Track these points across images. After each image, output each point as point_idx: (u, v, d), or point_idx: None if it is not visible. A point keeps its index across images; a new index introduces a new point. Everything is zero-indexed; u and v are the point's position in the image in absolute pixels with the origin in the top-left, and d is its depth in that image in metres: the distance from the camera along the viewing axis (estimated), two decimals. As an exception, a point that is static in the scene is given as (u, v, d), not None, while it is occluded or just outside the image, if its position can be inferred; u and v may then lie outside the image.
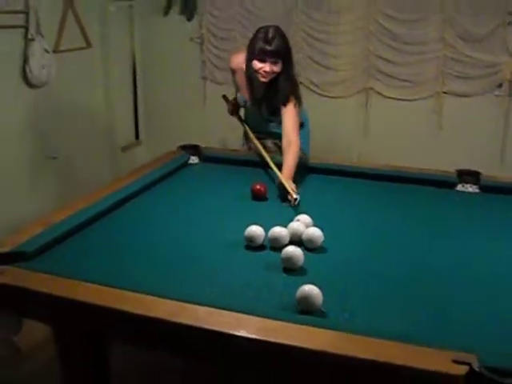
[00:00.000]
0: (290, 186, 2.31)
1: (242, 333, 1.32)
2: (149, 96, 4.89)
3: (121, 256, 1.84)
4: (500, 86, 4.02)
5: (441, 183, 2.57)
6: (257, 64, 2.68)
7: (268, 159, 2.64)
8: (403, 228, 2.15)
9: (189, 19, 4.55)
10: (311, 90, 4.26)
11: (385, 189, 2.57)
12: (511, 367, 1.20)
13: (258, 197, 2.34)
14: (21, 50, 3.53)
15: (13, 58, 3.51)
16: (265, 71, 2.68)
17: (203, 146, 2.97)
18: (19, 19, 3.48)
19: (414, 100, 4.12)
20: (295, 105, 2.76)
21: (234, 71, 3.01)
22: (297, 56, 4.16)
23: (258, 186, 2.35)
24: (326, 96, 4.25)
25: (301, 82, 4.18)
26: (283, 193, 2.33)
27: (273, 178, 2.53)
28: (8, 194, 3.54)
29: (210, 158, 2.88)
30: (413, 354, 1.27)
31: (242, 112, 3.17)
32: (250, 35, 2.83)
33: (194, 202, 2.36)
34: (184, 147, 2.92)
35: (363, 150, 4.12)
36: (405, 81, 4.10)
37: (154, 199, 2.37)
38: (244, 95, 2.97)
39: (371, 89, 4.16)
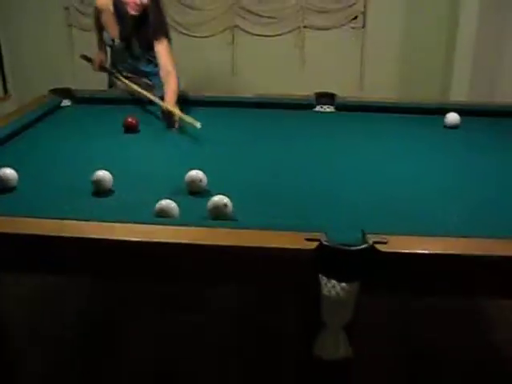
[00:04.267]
0: (176, 110, 2.46)
1: (121, 237, 1.46)
2: (14, 48, 4.76)
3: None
4: (355, 18, 4.32)
5: (301, 106, 2.80)
6: None
7: (146, 93, 2.73)
8: (267, 144, 2.36)
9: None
10: (179, 31, 4.34)
11: (252, 114, 2.76)
12: (351, 241, 1.43)
13: (130, 129, 2.45)
14: None
15: None
16: (134, 3, 2.79)
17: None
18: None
19: (278, 35, 4.32)
20: (167, 41, 2.89)
21: (99, 11, 3.06)
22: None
23: (129, 119, 2.45)
24: (193, 36, 4.36)
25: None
26: (169, 119, 2.46)
27: (144, 112, 2.63)
28: None
29: (83, 99, 2.92)
30: (272, 237, 1.47)
31: (108, 53, 3.22)
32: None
33: (69, 140, 2.41)
34: (55, 91, 2.94)
35: (232, 86, 4.28)
36: (268, 17, 4.29)
37: (29, 142, 2.39)
38: (111, 34, 3.02)
39: (236, 26, 4.31)
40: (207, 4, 4.29)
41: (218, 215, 1.62)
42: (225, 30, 4.33)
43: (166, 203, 1.62)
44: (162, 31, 2.87)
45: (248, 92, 3.41)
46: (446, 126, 2.56)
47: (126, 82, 2.95)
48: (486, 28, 4.00)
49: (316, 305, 1.46)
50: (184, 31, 4.36)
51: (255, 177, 2.01)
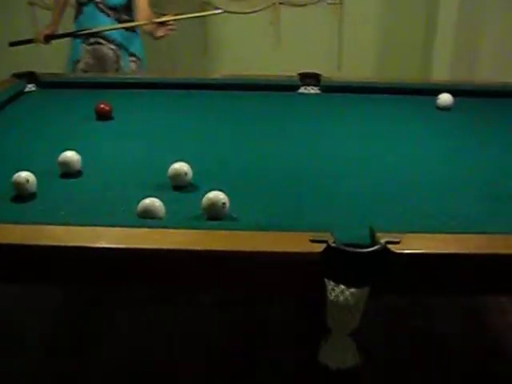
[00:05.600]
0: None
1: (103, 244, 1.29)
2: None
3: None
4: (332, -7, 4.15)
5: (284, 87, 2.63)
6: None
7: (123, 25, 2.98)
8: (252, 130, 2.19)
9: None
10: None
11: (231, 97, 2.57)
12: (360, 241, 1.29)
13: (102, 116, 2.25)
14: None
15: None
16: None
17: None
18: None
19: (252, 12, 4.12)
20: None
21: None
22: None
23: (101, 105, 2.25)
24: (162, 14, 4.09)
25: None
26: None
27: (117, 98, 2.43)
28: None
29: (49, 84, 2.70)
30: (274, 239, 1.31)
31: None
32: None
33: (35, 129, 2.21)
34: (18, 75, 2.71)
35: (204, 65, 4.07)
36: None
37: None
38: None
39: (208, 3, 4.09)
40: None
41: (215, 215, 1.45)
42: (195, 7, 4.10)
43: (151, 202, 1.45)
44: None
45: (222, 72, 3.26)
46: (438, 108, 2.43)
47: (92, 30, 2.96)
48: (467, 3, 3.88)
49: (321, 310, 1.33)
50: (153, 9, 4.11)
51: (244, 167, 1.84)
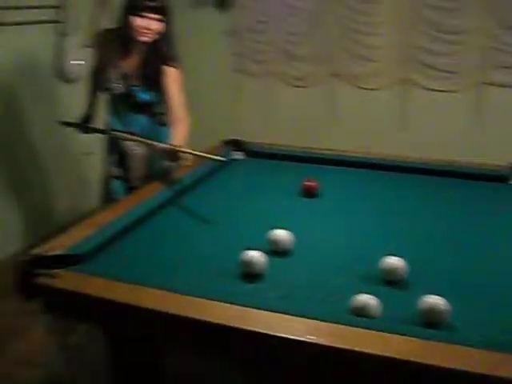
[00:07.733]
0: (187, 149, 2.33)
1: (319, 340, 1.25)
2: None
3: (174, 258, 1.77)
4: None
5: (493, 178, 2.48)
6: (139, 21, 2.41)
7: (147, 140, 2.49)
8: (471, 226, 2.07)
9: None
10: (349, 82, 4.13)
11: (435, 183, 2.50)
12: None
13: (309, 193, 2.28)
14: (55, 44, 3.55)
15: (46, 53, 3.53)
16: (148, 29, 2.43)
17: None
18: (51, 14, 3.46)
19: (455, 91, 3.96)
20: (179, 69, 2.57)
21: (102, 45, 2.65)
22: (335, 47, 4.06)
23: (309, 183, 2.28)
24: (363, 88, 4.12)
25: (338, 75, 4.09)
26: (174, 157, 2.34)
27: (323, 174, 2.44)
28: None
29: (255, 153, 2.79)
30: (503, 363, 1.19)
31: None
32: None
33: (244, 198, 2.29)
34: (227, 142, 2.83)
35: (402, 142, 3.93)
36: (445, 71, 3.96)
37: (202, 197, 2.30)
38: (114, 73, 2.60)
39: (410, 80, 4.01)
40: (382, 56, 3.99)
41: (433, 321, 1.37)
42: (397, 82, 4.01)
43: (368, 299, 1.40)
44: (175, 60, 2.55)
45: (419, 149, 3.15)
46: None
47: (123, 135, 2.62)
48: None
49: None
50: (356, 82, 4.09)
51: (465, 269, 1.71)
